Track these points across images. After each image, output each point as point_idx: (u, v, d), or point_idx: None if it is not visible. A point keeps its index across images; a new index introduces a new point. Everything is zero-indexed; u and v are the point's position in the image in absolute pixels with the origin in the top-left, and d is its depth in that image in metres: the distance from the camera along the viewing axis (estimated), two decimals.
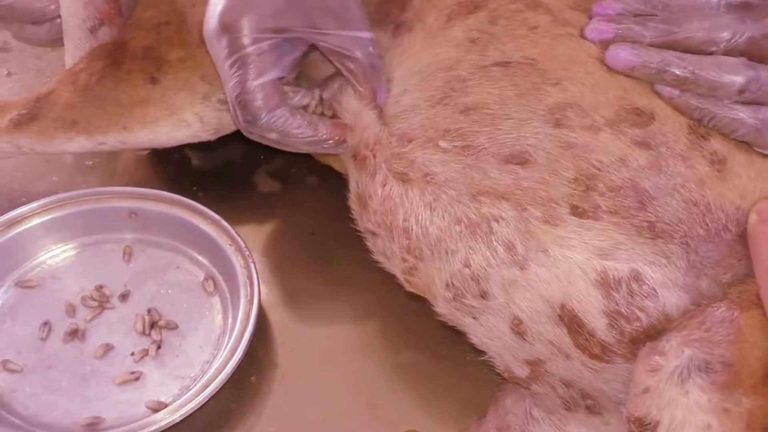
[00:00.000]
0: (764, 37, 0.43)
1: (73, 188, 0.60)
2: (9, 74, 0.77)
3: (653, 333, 0.41)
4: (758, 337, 0.38)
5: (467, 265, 0.45)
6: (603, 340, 0.41)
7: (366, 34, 0.49)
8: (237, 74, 0.47)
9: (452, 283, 0.45)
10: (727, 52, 0.44)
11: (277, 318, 0.56)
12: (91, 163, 0.67)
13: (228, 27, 0.47)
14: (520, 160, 0.44)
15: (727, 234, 0.42)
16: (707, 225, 0.42)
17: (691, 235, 0.42)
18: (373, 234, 0.51)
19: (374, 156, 0.49)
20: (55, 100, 0.57)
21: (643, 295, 0.41)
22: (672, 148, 0.43)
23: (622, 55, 0.44)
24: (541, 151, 0.44)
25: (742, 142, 0.45)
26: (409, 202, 0.47)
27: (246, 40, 0.47)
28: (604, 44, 0.45)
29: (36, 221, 0.57)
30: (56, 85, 0.58)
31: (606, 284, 0.41)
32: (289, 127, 0.49)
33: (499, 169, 0.44)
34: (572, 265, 0.42)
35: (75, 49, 0.59)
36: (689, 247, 0.41)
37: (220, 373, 0.48)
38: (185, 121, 0.57)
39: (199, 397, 0.47)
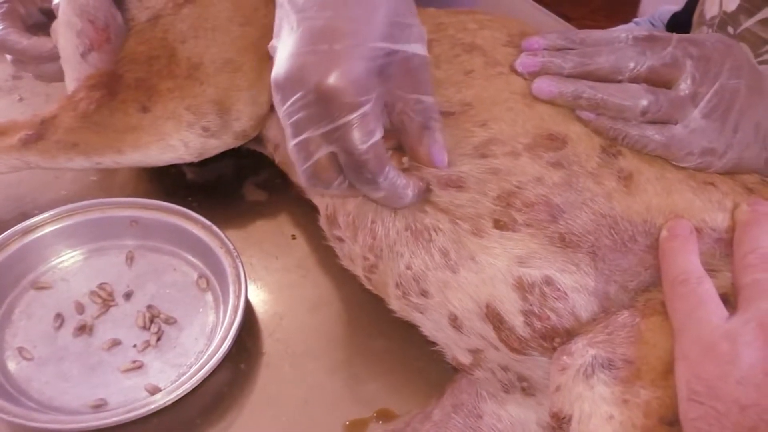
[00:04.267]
0: (663, 66, 0.47)
1: (79, 200, 0.61)
2: (21, 99, 0.80)
3: (562, 331, 0.44)
4: (658, 338, 0.40)
5: (409, 267, 0.48)
6: (520, 336, 0.45)
7: (429, 99, 0.47)
8: (343, 139, 0.43)
9: (400, 282, 0.49)
10: (632, 80, 0.47)
11: (263, 311, 0.59)
12: (95, 178, 0.70)
13: (329, 92, 0.42)
14: (457, 185, 0.48)
15: (635, 244, 0.45)
16: (614, 236, 0.44)
17: (599, 245, 0.44)
18: (340, 240, 0.54)
19: None
20: (58, 123, 0.60)
21: (554, 297, 0.44)
22: (584, 167, 0.46)
23: (543, 86, 0.48)
24: (471, 177, 0.47)
25: (658, 158, 0.47)
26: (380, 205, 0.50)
27: (351, 104, 0.42)
28: (532, 76, 0.49)
29: (47, 230, 0.60)
30: (59, 110, 0.61)
31: (522, 288, 0.44)
32: (397, 186, 0.46)
33: (440, 191, 0.48)
34: (495, 271, 0.45)
35: (72, 72, 0.62)
36: (596, 256, 0.44)
37: (211, 360, 0.51)
38: (172, 146, 0.60)
39: (192, 380, 0.50)
